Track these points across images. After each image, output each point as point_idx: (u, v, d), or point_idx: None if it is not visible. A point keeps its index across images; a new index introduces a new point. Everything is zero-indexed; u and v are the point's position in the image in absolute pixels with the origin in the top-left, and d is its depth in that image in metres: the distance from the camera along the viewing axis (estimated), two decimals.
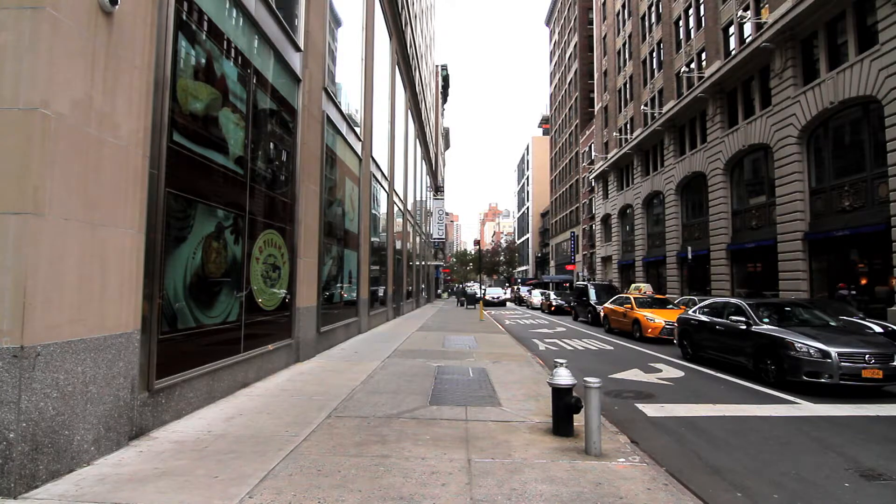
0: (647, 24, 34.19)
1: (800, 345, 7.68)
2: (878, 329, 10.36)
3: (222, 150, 5.95)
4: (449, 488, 3.48)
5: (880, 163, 15.33)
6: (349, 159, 12.67)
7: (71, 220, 3.52)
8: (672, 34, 29.91)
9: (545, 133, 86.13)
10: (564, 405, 4.72)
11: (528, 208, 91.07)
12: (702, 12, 26.34)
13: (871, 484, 4.14)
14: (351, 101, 13.20)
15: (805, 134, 18.57)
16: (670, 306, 16.43)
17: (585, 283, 28.48)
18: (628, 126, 37.43)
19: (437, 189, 49.12)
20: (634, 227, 35.63)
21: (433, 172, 44.20)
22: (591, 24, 49.76)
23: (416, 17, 29.74)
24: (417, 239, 31.29)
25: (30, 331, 3.18)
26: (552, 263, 67.38)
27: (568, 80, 60.62)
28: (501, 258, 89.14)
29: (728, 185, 24.08)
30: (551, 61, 72.50)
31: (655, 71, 32.74)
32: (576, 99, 55.94)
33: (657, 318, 14.49)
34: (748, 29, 22.38)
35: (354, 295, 13.38)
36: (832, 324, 8.94)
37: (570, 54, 58.89)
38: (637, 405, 6.74)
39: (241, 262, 6.48)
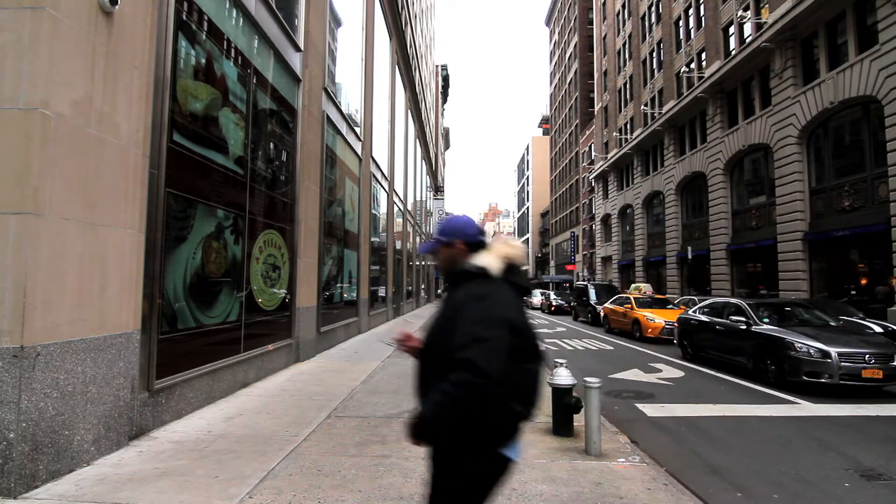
0: (647, 24, 34.19)
1: (800, 345, 7.68)
2: (878, 329, 10.36)
3: (222, 150, 5.95)
4: None
5: (880, 163, 15.32)
6: (349, 159, 12.66)
7: (71, 220, 3.52)
8: (672, 34, 29.91)
9: (545, 133, 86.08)
10: (564, 405, 4.72)
11: (528, 208, 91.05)
12: (702, 12, 26.34)
13: (871, 484, 4.14)
14: (351, 101, 13.20)
15: (805, 134, 18.57)
16: (670, 306, 16.42)
17: (585, 283, 28.48)
18: (628, 126, 37.42)
19: (437, 189, 49.09)
20: (634, 227, 35.62)
21: (433, 172, 44.20)
22: (591, 24, 49.74)
23: (416, 17, 29.73)
24: (417, 239, 31.28)
25: (30, 331, 3.18)
26: (552, 263, 67.37)
27: (568, 80, 60.61)
28: None
29: (728, 185, 24.08)
30: (551, 61, 72.49)
31: (655, 71, 32.74)
32: (576, 99, 55.93)
33: (657, 318, 14.49)
34: (748, 29, 22.38)
35: (354, 295, 13.38)
36: (832, 324, 8.94)
37: (570, 54, 58.88)
38: (637, 405, 6.74)
39: (241, 262, 6.48)
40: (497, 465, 1.61)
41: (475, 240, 1.81)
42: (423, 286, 36.67)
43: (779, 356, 7.96)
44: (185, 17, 5.12)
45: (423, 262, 36.47)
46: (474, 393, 1.43)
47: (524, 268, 1.78)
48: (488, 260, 1.68)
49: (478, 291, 1.58)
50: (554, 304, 29.33)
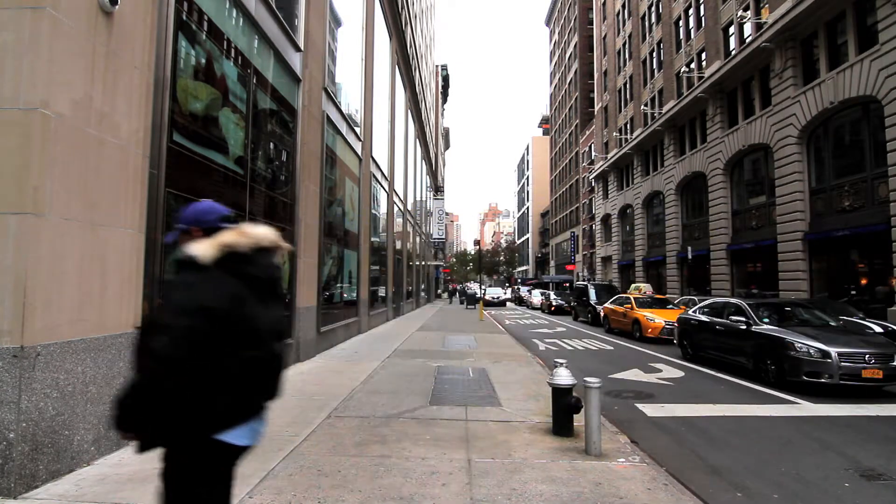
0: (647, 24, 34.19)
1: (800, 345, 7.68)
2: (878, 329, 10.36)
3: (222, 150, 5.95)
4: (449, 488, 3.48)
5: (880, 163, 15.32)
6: (349, 159, 12.66)
7: (71, 220, 3.52)
8: (672, 34, 29.91)
9: (545, 133, 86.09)
10: (564, 405, 4.72)
11: (528, 208, 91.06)
12: (702, 12, 26.34)
13: (871, 484, 4.14)
14: (351, 101, 13.20)
15: (805, 134, 18.57)
16: (670, 306, 16.42)
17: (585, 283, 28.48)
18: (628, 126, 37.42)
19: (437, 189, 49.14)
20: (634, 227, 35.62)
21: (433, 172, 44.20)
22: (591, 24, 49.74)
23: (416, 17, 29.73)
24: (417, 239, 31.29)
25: (30, 331, 3.18)
26: (552, 263, 67.37)
27: (568, 80, 60.62)
28: (501, 258, 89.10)
29: (728, 185, 24.07)
30: (551, 61, 72.49)
31: (655, 71, 32.73)
32: (576, 99, 55.93)
33: (657, 318, 14.48)
34: (748, 29, 22.38)
35: (354, 295, 13.38)
36: (832, 324, 8.93)
37: (570, 54, 58.88)
38: (637, 405, 6.74)
39: None
40: (217, 452, 1.63)
41: (211, 226, 1.74)
42: (422, 286, 36.67)
43: (779, 356, 7.96)
44: (185, 17, 5.12)
45: (423, 263, 36.48)
46: (149, 379, 1.47)
47: (276, 251, 1.75)
48: (200, 248, 1.63)
49: (179, 280, 1.60)
50: (554, 304, 29.32)
